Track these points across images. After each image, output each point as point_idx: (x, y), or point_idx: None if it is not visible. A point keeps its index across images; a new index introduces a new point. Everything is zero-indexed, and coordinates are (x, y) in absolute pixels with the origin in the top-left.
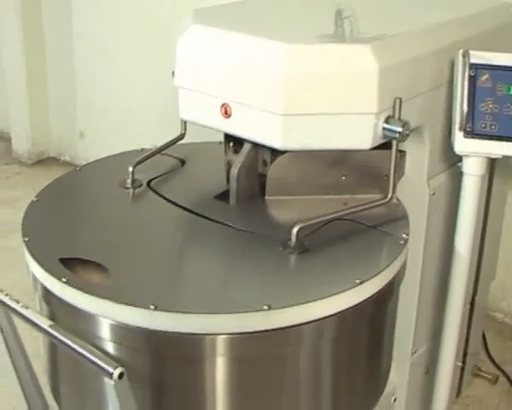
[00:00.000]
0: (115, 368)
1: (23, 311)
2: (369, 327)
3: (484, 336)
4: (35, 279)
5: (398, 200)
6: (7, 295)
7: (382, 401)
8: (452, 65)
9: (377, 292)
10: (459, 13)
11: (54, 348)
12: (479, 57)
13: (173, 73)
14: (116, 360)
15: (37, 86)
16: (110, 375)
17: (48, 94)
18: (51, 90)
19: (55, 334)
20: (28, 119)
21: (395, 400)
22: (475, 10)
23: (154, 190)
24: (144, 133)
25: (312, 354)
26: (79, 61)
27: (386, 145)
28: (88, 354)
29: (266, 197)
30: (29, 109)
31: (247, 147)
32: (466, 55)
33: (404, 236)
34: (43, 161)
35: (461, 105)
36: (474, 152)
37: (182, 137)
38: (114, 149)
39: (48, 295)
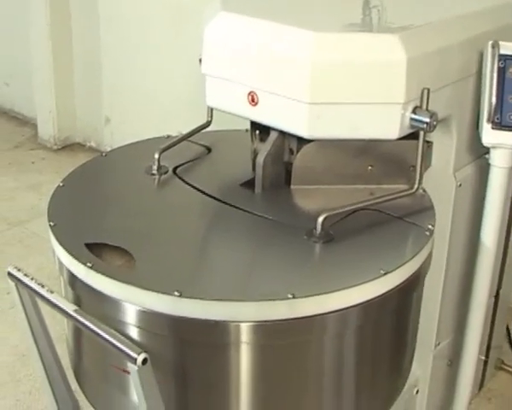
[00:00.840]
0: (139, 354)
1: (48, 295)
2: (393, 318)
3: (508, 330)
4: (60, 264)
5: (424, 191)
6: (32, 279)
7: (404, 393)
8: (481, 56)
9: (402, 283)
10: (488, 3)
11: (78, 332)
12: (508, 48)
13: (200, 60)
14: (140, 346)
15: (63, 72)
16: (134, 360)
17: (74, 80)
18: (77, 75)
19: (80, 318)
20: (54, 104)
21: (417, 392)
22: (505, 0)
23: (179, 177)
24: (170, 120)
25: (336, 344)
26: (106, 47)
27: (412, 135)
28: (112, 339)
29: (292, 186)
30: (55, 95)
31: (273, 135)
32: (495, 45)
33: (429, 227)
34: (69, 147)
35: (489, 96)
36: (502, 144)
37: (208, 124)
38: (140, 135)
39: (73, 280)
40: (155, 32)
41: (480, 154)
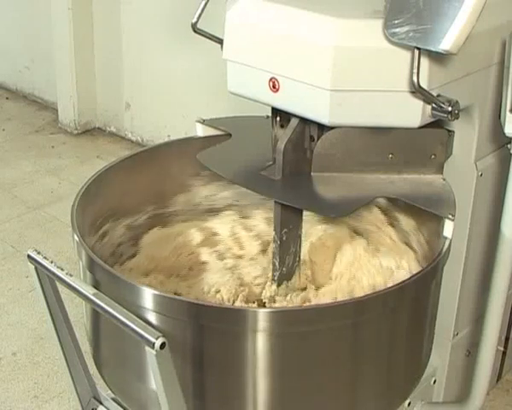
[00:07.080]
0: (157, 338)
1: (67, 279)
2: (412, 306)
3: None
4: (79, 248)
5: (444, 180)
6: (52, 262)
7: (422, 383)
8: (504, 45)
9: (421, 271)
10: None
11: (96, 316)
12: None
13: (221, 45)
14: (158, 331)
15: (84, 57)
16: (152, 345)
17: (95, 64)
18: (98, 60)
19: (99, 302)
20: (75, 89)
21: (435, 381)
22: None
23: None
24: (190, 105)
25: (353, 332)
26: (127, 32)
27: (434, 124)
28: (130, 324)
29: (312, 173)
30: (76, 80)
31: (294, 122)
32: None
33: (449, 216)
34: (89, 132)
35: None
36: None
37: None
38: (160, 121)
39: (92, 264)
40: (177, 17)
41: (502, 144)
